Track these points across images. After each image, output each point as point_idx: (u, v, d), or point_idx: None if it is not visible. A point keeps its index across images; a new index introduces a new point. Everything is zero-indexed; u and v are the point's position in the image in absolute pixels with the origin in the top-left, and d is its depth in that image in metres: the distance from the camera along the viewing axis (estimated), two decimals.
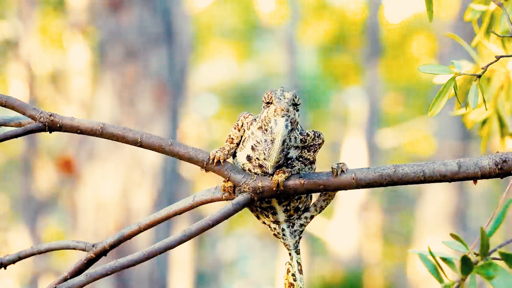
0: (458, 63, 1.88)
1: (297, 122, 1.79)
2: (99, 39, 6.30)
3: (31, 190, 10.46)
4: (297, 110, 1.79)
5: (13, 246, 11.13)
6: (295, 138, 1.81)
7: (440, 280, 1.56)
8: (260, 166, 1.82)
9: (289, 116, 1.76)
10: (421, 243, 9.70)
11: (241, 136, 1.86)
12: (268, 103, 1.79)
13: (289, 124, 1.77)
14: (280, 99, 1.77)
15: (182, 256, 12.53)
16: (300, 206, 1.88)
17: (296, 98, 1.79)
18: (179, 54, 6.88)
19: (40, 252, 1.90)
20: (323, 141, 1.85)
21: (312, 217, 1.92)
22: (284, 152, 1.80)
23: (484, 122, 2.25)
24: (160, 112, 6.14)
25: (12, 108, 1.84)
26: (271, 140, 1.78)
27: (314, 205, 1.92)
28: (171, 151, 1.84)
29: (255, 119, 1.83)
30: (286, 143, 1.79)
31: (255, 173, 1.82)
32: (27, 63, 10.19)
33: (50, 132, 1.85)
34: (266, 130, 1.78)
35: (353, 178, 1.81)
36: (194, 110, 14.39)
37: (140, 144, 1.85)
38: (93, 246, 1.85)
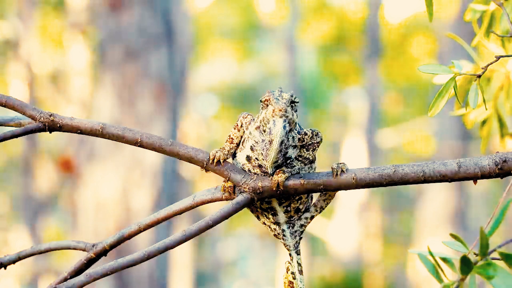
0: (458, 63, 1.88)
1: (295, 123, 1.80)
2: (99, 39, 6.30)
3: (31, 190, 10.46)
4: (295, 111, 1.79)
5: (13, 246, 11.12)
6: (293, 137, 1.81)
7: (440, 280, 1.56)
8: (260, 166, 1.82)
9: (287, 117, 1.77)
10: (421, 243, 9.70)
11: (241, 137, 1.86)
12: (266, 103, 1.79)
13: (287, 125, 1.77)
14: (278, 99, 1.77)
15: (182, 256, 12.52)
16: (300, 207, 1.88)
17: (294, 98, 1.79)
18: (179, 54, 6.88)
19: (40, 252, 1.89)
20: (321, 139, 1.85)
21: (312, 217, 1.91)
22: (282, 152, 1.80)
23: (484, 122, 2.24)
24: (160, 112, 6.14)
25: (12, 108, 1.84)
26: (269, 141, 1.78)
27: (314, 205, 1.92)
28: (171, 151, 1.84)
29: (253, 119, 1.83)
30: (284, 144, 1.79)
31: (255, 173, 1.82)
32: (27, 63, 10.19)
33: (50, 132, 1.85)
34: (264, 130, 1.79)
35: (353, 178, 1.81)
36: (194, 110, 14.38)
37: (140, 144, 1.85)
38: (93, 246, 1.84)
